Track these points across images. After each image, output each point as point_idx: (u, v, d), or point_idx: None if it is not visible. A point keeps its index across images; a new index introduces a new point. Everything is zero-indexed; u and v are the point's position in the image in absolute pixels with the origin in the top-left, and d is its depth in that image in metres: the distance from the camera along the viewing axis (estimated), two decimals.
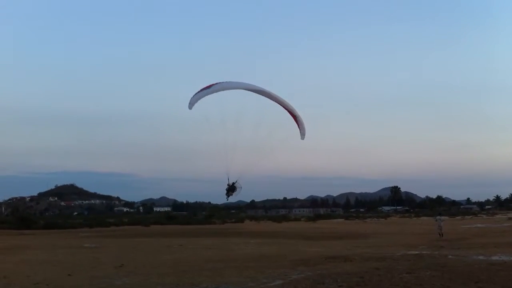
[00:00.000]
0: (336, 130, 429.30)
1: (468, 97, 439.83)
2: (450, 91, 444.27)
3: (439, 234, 40.52)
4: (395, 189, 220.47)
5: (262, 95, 20.21)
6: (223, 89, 19.33)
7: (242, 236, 48.61)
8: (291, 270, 18.84)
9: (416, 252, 25.23)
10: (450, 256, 22.45)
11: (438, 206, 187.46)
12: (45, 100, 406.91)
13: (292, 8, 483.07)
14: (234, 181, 20.60)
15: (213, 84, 19.28)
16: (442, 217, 46.15)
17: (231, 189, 20.74)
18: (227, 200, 21.53)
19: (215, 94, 19.17)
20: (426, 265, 19.03)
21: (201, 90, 19.22)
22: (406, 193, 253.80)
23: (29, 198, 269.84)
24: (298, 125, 21.26)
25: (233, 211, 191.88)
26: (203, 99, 19.21)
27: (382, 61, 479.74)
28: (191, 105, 19.33)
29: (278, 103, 20.57)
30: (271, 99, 20.35)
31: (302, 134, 21.38)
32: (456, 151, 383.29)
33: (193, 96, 19.42)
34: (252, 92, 20.16)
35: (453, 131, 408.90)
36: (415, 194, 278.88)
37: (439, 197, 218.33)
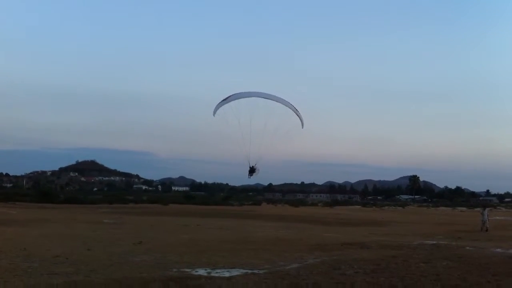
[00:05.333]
0: (356, 118, 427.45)
1: (490, 91, 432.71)
2: (471, 85, 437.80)
3: (482, 229, 36.29)
4: (414, 178, 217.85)
5: (268, 98, 24.07)
6: (237, 99, 23.56)
7: (259, 219, 48.88)
8: (308, 254, 18.87)
9: (434, 242, 25.00)
10: (468, 248, 22.19)
11: (457, 196, 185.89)
12: (69, 78, 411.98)
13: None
14: (254, 164, 24.06)
15: (229, 96, 23.63)
16: (486, 209, 40.04)
17: (252, 170, 24.15)
18: (249, 178, 24.85)
19: (232, 102, 23.51)
20: (443, 256, 18.81)
21: (221, 101, 23.63)
22: (425, 182, 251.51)
23: (50, 173, 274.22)
24: (299, 118, 25.05)
25: (250, 193, 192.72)
26: (223, 107, 23.59)
27: (406, 55, 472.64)
28: (214, 113, 23.85)
29: (281, 103, 24.36)
30: (274, 100, 24.15)
31: (302, 124, 25.23)
32: (477, 143, 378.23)
33: (215, 106, 23.83)
34: (260, 98, 24.00)
35: (475, 123, 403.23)
36: (434, 184, 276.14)
37: (458, 188, 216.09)
